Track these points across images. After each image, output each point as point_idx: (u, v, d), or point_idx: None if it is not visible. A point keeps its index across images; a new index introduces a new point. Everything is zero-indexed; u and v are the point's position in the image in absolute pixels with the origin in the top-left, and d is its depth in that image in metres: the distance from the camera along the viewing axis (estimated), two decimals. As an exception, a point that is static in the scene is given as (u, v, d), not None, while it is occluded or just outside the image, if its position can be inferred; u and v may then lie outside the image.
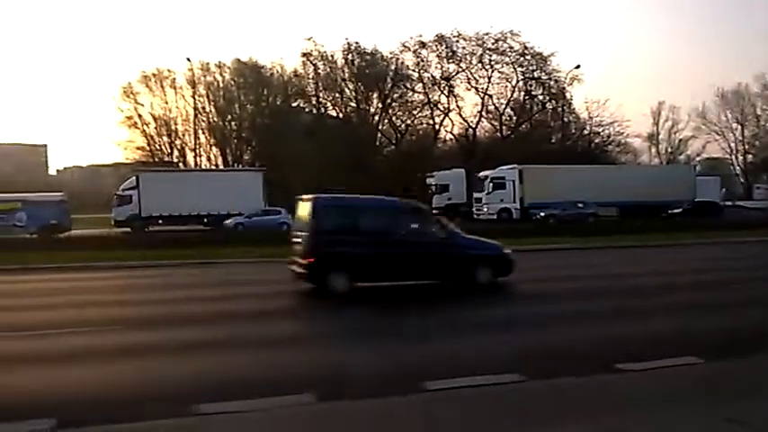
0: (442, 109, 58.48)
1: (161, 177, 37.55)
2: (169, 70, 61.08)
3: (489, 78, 56.61)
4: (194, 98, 57.53)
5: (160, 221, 33.86)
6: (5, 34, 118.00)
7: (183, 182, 36.15)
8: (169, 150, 62.48)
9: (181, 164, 60.88)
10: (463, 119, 58.48)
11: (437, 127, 59.44)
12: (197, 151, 59.14)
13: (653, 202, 36.23)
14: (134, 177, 36.44)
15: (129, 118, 60.70)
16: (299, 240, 11.75)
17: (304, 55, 59.13)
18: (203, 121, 60.96)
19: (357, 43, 58.75)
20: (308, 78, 60.71)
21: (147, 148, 61.72)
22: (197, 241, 23.48)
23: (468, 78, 56.81)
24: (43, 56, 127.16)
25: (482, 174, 39.04)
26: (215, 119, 62.86)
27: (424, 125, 60.67)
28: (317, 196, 12.20)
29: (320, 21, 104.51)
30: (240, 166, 63.82)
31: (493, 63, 56.12)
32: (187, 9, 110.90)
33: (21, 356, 7.23)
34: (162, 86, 61.40)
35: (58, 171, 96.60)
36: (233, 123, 63.80)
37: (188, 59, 54.90)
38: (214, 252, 19.65)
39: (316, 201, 11.93)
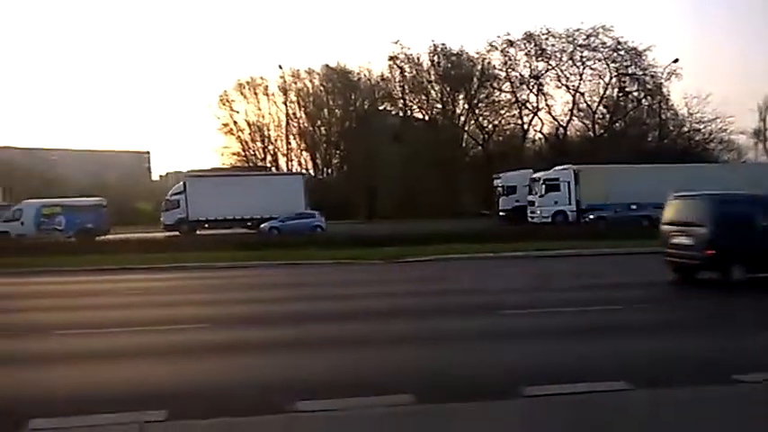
0: (530, 108, 57.44)
1: (207, 182, 37.85)
2: (262, 78, 63.37)
3: (581, 75, 55.07)
4: (286, 104, 59.31)
5: (206, 225, 34.60)
6: (112, 48, 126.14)
7: (228, 186, 36.45)
8: (262, 155, 64.70)
9: (274, 168, 62.86)
10: (553, 118, 57.15)
11: (525, 126, 58.40)
12: (288, 156, 60.89)
13: None
14: (182, 182, 37.27)
15: (225, 125, 63.45)
16: (680, 233, 12.85)
17: (391, 58, 59.66)
18: (294, 126, 62.72)
19: (443, 44, 58.67)
20: (395, 81, 61.17)
21: (242, 154, 64.20)
22: (255, 243, 23.86)
23: (559, 76, 55.51)
24: (147, 67, 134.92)
25: (535, 175, 37.51)
26: (305, 124, 64.54)
27: (512, 125, 59.74)
28: (710, 194, 13.31)
29: (406, 24, 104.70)
30: (330, 170, 65.21)
31: (584, 59, 54.56)
32: (279, 18, 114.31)
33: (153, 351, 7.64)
34: (255, 94, 63.75)
35: (160, 177, 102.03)
36: (322, 128, 65.25)
37: (280, 67, 56.88)
38: (290, 254, 19.77)
39: (712, 198, 13.00)
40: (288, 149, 59.86)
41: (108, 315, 10.27)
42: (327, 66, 63.38)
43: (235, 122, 63.70)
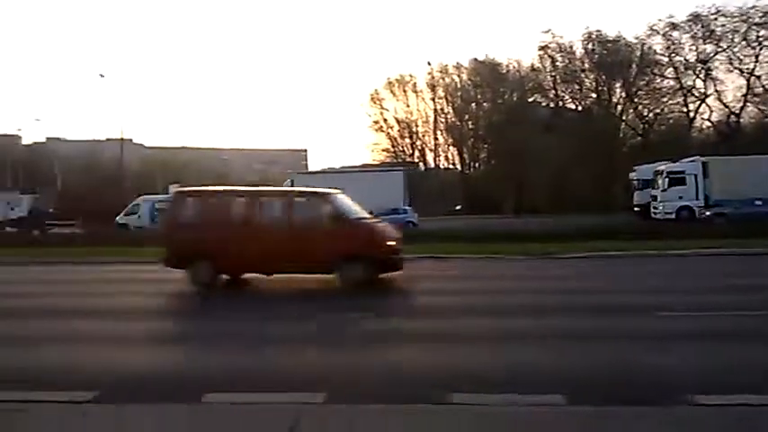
0: (697, 95, 52.97)
1: (312, 178, 38.12)
2: (411, 75, 64.46)
3: (756, 57, 49.80)
4: (434, 100, 59.84)
5: None
6: (275, 55, 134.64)
7: (331, 182, 37.22)
8: (410, 151, 65.79)
9: (421, 164, 63.66)
10: (723, 104, 52.26)
11: (692, 114, 53.96)
12: (436, 151, 61.38)
13: None
14: (289, 180, 37.97)
15: (376, 122, 65.34)
16: None
17: (541, 48, 57.98)
18: (442, 121, 63.04)
19: (598, 31, 55.87)
20: (546, 72, 59.30)
21: (392, 150, 65.71)
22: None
23: (730, 59, 50.64)
24: (306, 69, 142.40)
25: (659, 167, 33.61)
26: (453, 119, 64.62)
27: (676, 113, 55.46)
28: None
29: (557, 13, 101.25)
30: (477, 164, 64.78)
31: (761, 39, 49.28)
32: (428, 15, 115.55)
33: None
34: (404, 91, 64.97)
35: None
36: (470, 123, 64.97)
37: (428, 63, 57.32)
38: (435, 248, 19.72)
39: None
40: (435, 145, 60.39)
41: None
42: (476, 59, 62.99)
43: (385, 120, 65.39)
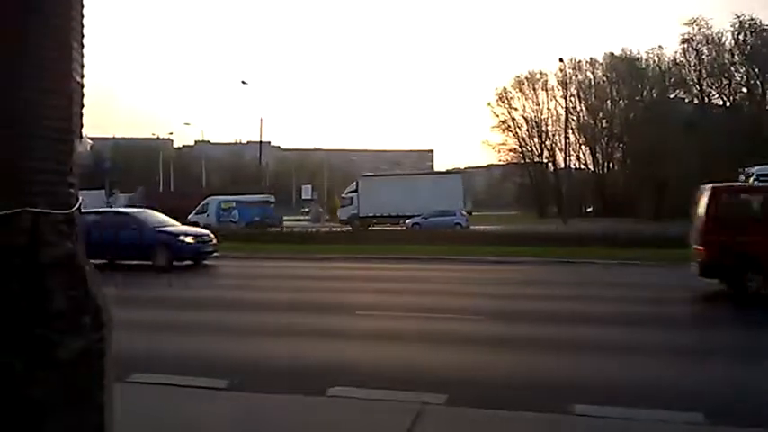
0: None
1: (376, 181, 42.03)
2: (541, 72, 62.74)
3: None
4: (565, 98, 57.78)
5: (374, 221, 36.83)
6: (400, 57, 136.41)
7: (393, 185, 39.72)
8: (539, 151, 64.02)
9: (550, 164, 61.79)
10: None
11: None
12: (566, 151, 59.23)
13: None
14: (355, 182, 41.34)
15: (503, 122, 64.23)
16: None
17: (684, 41, 54.21)
18: (573, 120, 60.74)
19: (752, 20, 51.25)
20: (689, 66, 55.39)
21: (519, 150, 64.31)
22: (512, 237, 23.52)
23: None
24: (433, 71, 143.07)
25: (753, 169, 29.10)
26: (585, 117, 62.13)
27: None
28: None
29: (702, 2, 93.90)
30: (611, 164, 61.80)
31: None
32: (559, 9, 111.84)
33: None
34: (534, 89, 63.38)
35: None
36: (603, 121, 62.12)
37: (560, 60, 55.31)
38: (572, 252, 19.04)
39: None
40: (566, 144, 58.25)
41: (391, 299, 11.19)
42: (611, 54, 60.15)
43: (513, 119, 64.12)
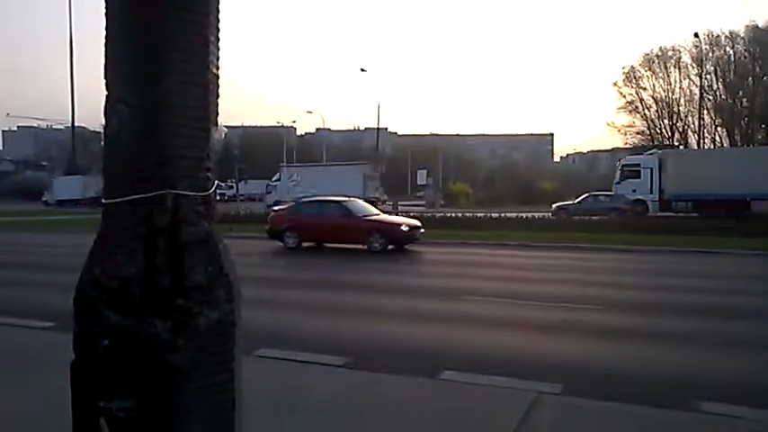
0: None
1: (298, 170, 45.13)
2: (674, 49, 58.58)
3: None
4: (700, 76, 53.69)
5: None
6: (519, 40, 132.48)
7: (311, 173, 42.66)
8: (670, 133, 60.11)
9: (682, 147, 57.87)
10: None
11: None
12: (700, 133, 55.12)
13: None
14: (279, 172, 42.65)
15: (630, 102, 60.73)
16: None
17: None
18: (709, 99, 56.34)
19: None
20: None
21: (647, 132, 60.70)
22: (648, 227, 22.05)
23: None
24: (552, 51, 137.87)
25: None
26: (722, 96, 57.41)
27: None
28: None
29: None
30: (751, 146, 56.87)
31: None
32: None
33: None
34: (665, 67, 59.33)
35: (561, 158, 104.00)
36: (744, 100, 57.12)
37: (695, 35, 51.47)
38: (695, 241, 17.71)
39: None
40: (700, 126, 54.24)
41: (504, 286, 11.04)
42: (756, 26, 54.97)
43: (641, 100, 60.49)
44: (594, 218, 26.48)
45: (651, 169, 31.70)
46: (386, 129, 73.96)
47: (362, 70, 54.00)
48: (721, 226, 21.13)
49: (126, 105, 1.66)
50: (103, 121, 1.79)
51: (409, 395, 4.84)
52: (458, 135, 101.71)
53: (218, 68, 1.82)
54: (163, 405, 1.54)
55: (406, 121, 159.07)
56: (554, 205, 32.87)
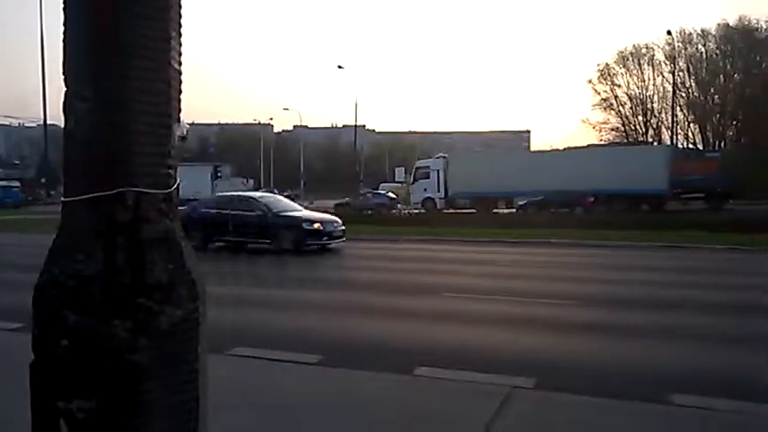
0: None
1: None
2: (647, 47, 59.42)
3: None
4: (673, 73, 54.49)
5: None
6: (495, 36, 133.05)
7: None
8: (644, 130, 60.98)
9: (656, 143, 58.68)
10: None
11: None
12: (673, 130, 55.93)
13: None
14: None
15: (605, 100, 61.53)
16: None
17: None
18: (682, 96, 57.27)
19: None
20: (817, 35, 50.61)
21: (622, 129, 61.52)
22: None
23: None
24: (527, 48, 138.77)
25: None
26: (695, 93, 58.38)
27: None
28: None
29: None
30: (722, 144, 57.93)
31: None
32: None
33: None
34: (639, 64, 60.23)
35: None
36: (716, 97, 58.17)
37: (668, 32, 52.17)
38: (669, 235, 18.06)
39: None
40: (673, 123, 55.06)
41: (483, 283, 11.11)
42: (726, 25, 55.97)
43: (616, 97, 61.33)
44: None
45: (438, 171, 35.95)
46: (364, 126, 73.86)
47: (340, 67, 53.87)
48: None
49: (83, 101, 1.63)
50: (62, 118, 1.75)
51: (383, 391, 4.85)
52: (435, 132, 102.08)
53: (180, 64, 1.80)
54: (124, 405, 1.52)
55: (385, 118, 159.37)
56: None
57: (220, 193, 19.86)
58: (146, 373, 1.54)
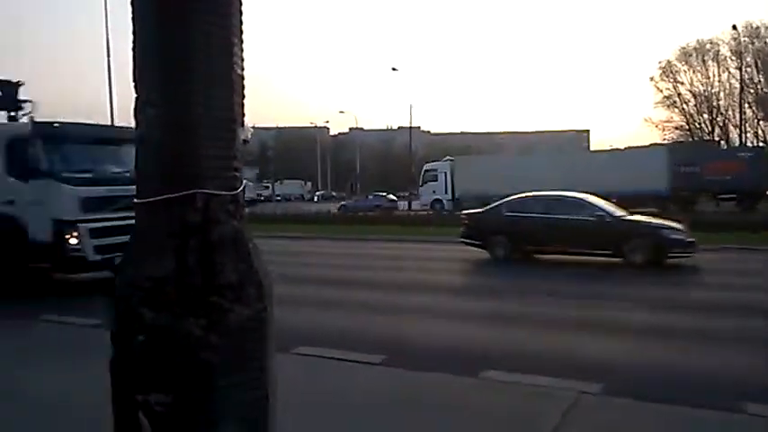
0: None
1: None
2: (711, 42, 57.15)
3: None
4: (740, 69, 52.20)
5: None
6: (552, 36, 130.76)
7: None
8: (710, 128, 58.65)
9: (723, 142, 56.40)
10: None
11: None
12: (742, 128, 53.53)
13: None
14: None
15: (668, 97, 59.40)
16: None
17: None
18: (750, 93, 54.74)
19: None
20: None
21: (686, 128, 59.36)
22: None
23: None
24: (588, 46, 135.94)
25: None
26: (765, 89, 55.75)
27: None
28: None
29: None
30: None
31: None
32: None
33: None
34: (703, 61, 57.90)
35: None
36: (787, 93, 55.36)
37: (734, 27, 50.15)
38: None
39: None
40: (741, 120, 52.72)
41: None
42: (797, 17, 53.20)
43: (679, 94, 59.14)
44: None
45: (446, 173, 36.71)
46: (418, 128, 73.82)
47: (394, 69, 53.72)
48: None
49: (153, 107, 1.70)
50: (134, 124, 1.83)
51: (448, 394, 4.82)
52: (488, 133, 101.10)
53: (242, 69, 1.85)
54: (198, 400, 1.57)
55: (438, 119, 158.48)
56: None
57: (524, 195, 14.79)
58: (218, 370, 1.58)
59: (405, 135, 62.97)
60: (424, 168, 39.82)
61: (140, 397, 1.58)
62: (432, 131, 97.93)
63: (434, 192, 37.18)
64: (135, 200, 1.76)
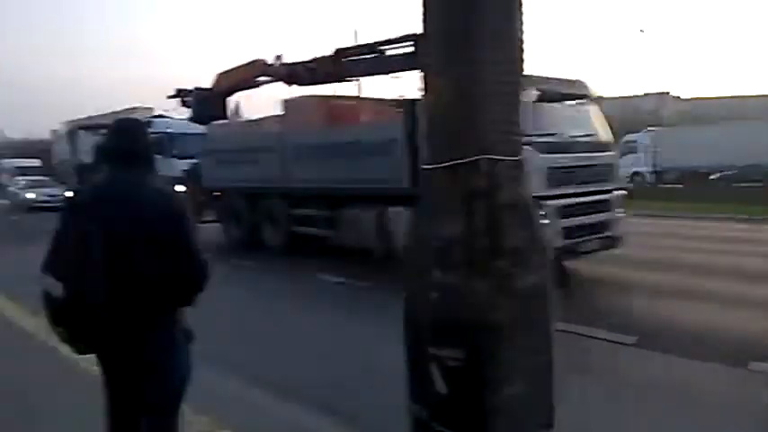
0: None
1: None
2: None
3: None
4: None
5: None
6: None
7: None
8: None
9: None
10: None
11: None
12: None
13: None
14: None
15: None
16: None
17: None
18: None
19: None
20: None
21: None
22: None
23: None
24: None
25: None
26: None
27: None
28: None
29: None
30: None
31: None
32: None
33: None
34: None
35: None
36: None
37: None
38: None
39: None
40: None
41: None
42: None
43: None
44: None
45: (646, 145, 35.07)
46: (668, 93, 67.40)
47: (641, 31, 49.67)
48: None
49: (441, 77, 1.76)
50: (423, 95, 1.92)
51: (719, 385, 4.40)
52: (743, 96, 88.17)
53: (522, 42, 1.82)
54: (487, 359, 1.62)
55: (690, 83, 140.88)
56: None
57: None
58: (506, 332, 1.61)
59: (652, 102, 57.91)
60: (623, 140, 38.36)
61: (432, 350, 1.67)
62: (683, 97, 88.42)
63: (633, 164, 36.07)
64: (422, 165, 1.85)
